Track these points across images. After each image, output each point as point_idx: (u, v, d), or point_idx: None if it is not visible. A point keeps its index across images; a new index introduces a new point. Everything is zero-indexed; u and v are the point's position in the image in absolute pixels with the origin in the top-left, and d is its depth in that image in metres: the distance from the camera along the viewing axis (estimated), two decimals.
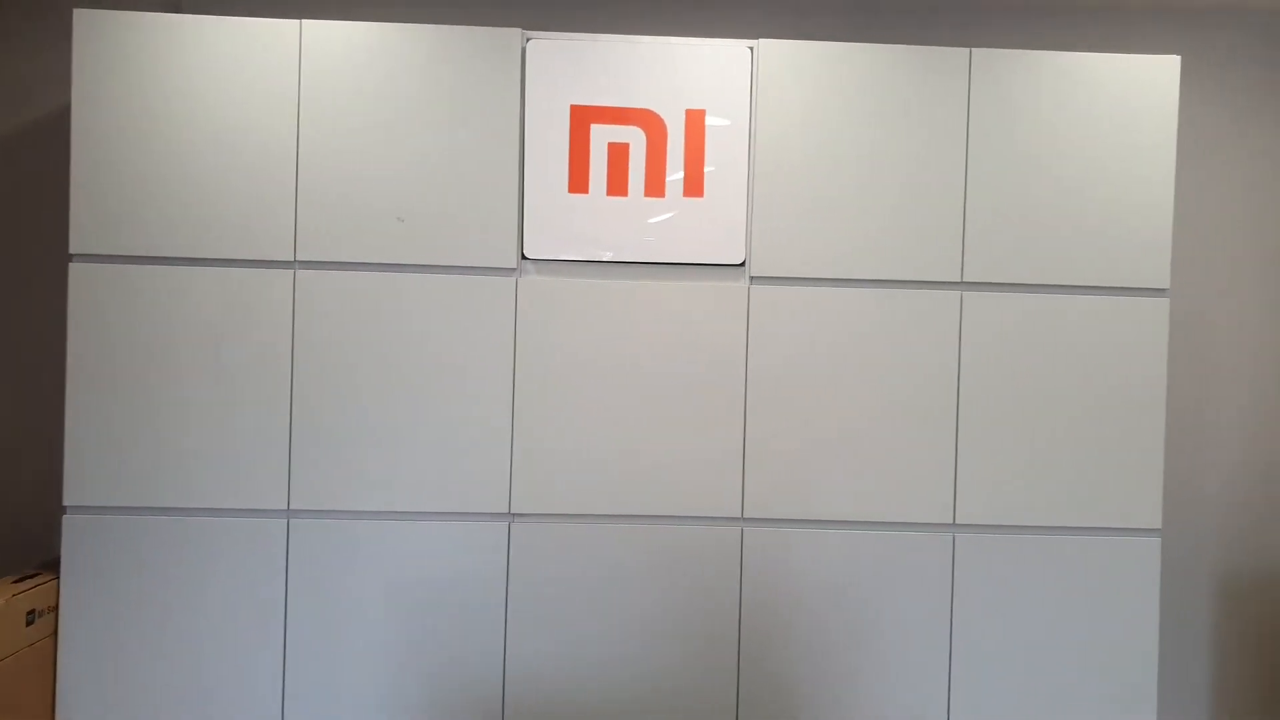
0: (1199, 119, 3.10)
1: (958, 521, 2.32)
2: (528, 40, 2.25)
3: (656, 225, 2.25)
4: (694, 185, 2.25)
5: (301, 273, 2.24)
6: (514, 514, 2.27)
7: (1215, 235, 3.12)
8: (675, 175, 2.25)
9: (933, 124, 2.30)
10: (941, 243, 2.31)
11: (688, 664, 2.29)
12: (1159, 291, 2.36)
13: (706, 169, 2.25)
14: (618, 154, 2.23)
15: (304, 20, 2.24)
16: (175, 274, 2.22)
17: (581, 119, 2.23)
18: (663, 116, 2.24)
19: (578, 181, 2.23)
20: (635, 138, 2.24)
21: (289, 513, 2.24)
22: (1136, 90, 2.33)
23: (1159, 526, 2.36)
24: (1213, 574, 3.12)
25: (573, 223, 2.24)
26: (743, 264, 2.28)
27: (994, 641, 2.32)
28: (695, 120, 2.25)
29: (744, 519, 2.29)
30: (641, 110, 2.24)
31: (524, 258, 2.25)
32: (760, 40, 2.28)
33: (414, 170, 2.24)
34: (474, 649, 2.27)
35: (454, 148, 2.24)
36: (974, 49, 2.32)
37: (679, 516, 2.28)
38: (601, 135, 2.23)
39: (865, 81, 2.29)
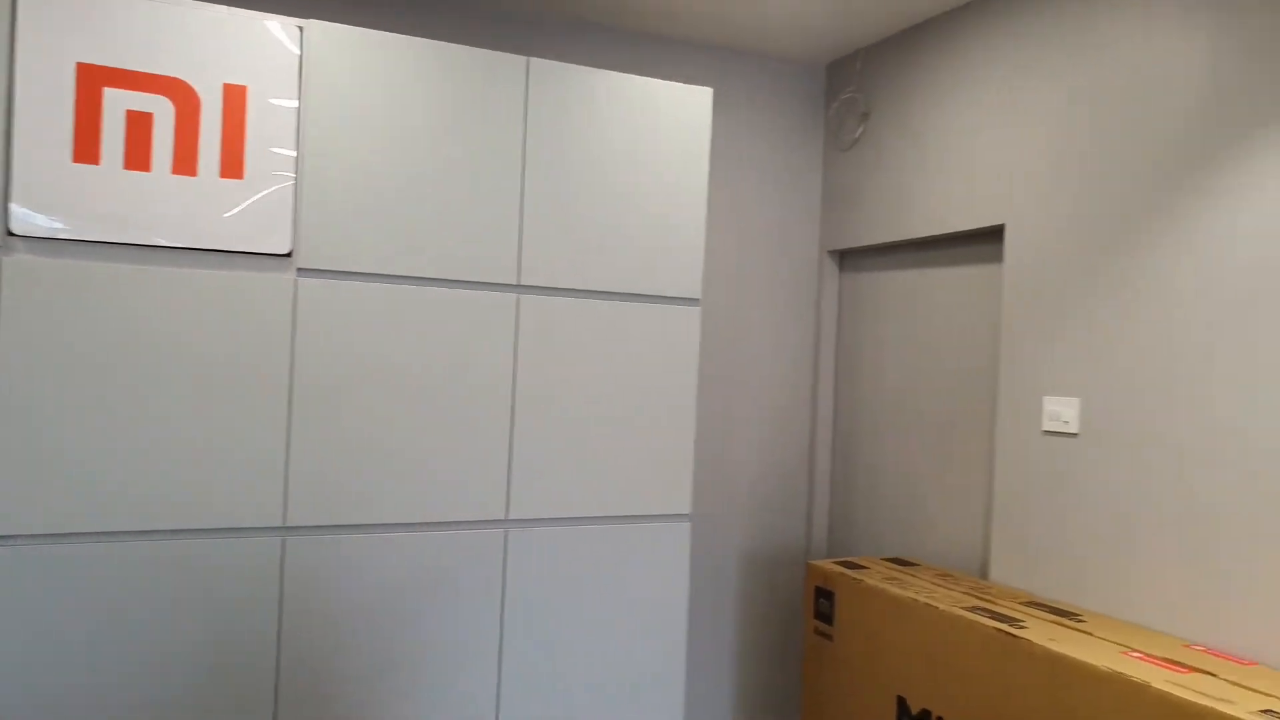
0: (730, 146, 3.49)
1: (511, 517, 2.38)
2: None
3: (187, 205, 2.03)
4: (233, 165, 2.07)
5: None
6: None
7: (743, 251, 3.53)
8: (210, 153, 2.04)
9: (492, 128, 2.33)
10: (499, 245, 2.35)
11: (219, 696, 2.09)
12: (692, 301, 2.60)
13: (248, 149, 2.08)
14: (139, 124, 1.98)
15: None
16: None
17: (91, 80, 1.94)
18: (196, 88, 2.03)
19: (86, 150, 1.94)
20: (161, 108, 2.00)
21: None
22: (675, 116, 2.55)
23: (689, 512, 2.60)
24: (739, 552, 3.53)
25: (78, 197, 1.94)
26: (289, 254, 2.14)
27: (545, 625, 2.41)
28: (235, 96, 2.06)
29: (286, 528, 2.15)
30: (170, 79, 2.01)
31: (10, 234, 1.91)
32: (312, 20, 2.15)
33: None
34: None
35: None
36: (532, 59, 2.38)
37: (208, 530, 2.08)
38: (118, 101, 1.96)
39: (425, 77, 2.26)
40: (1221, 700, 1.77)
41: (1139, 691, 1.87)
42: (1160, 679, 1.88)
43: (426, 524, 2.29)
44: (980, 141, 2.86)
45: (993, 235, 2.90)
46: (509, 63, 2.36)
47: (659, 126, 2.53)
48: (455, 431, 2.31)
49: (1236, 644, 2.10)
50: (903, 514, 3.23)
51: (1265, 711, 1.72)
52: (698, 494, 3.45)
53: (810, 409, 3.62)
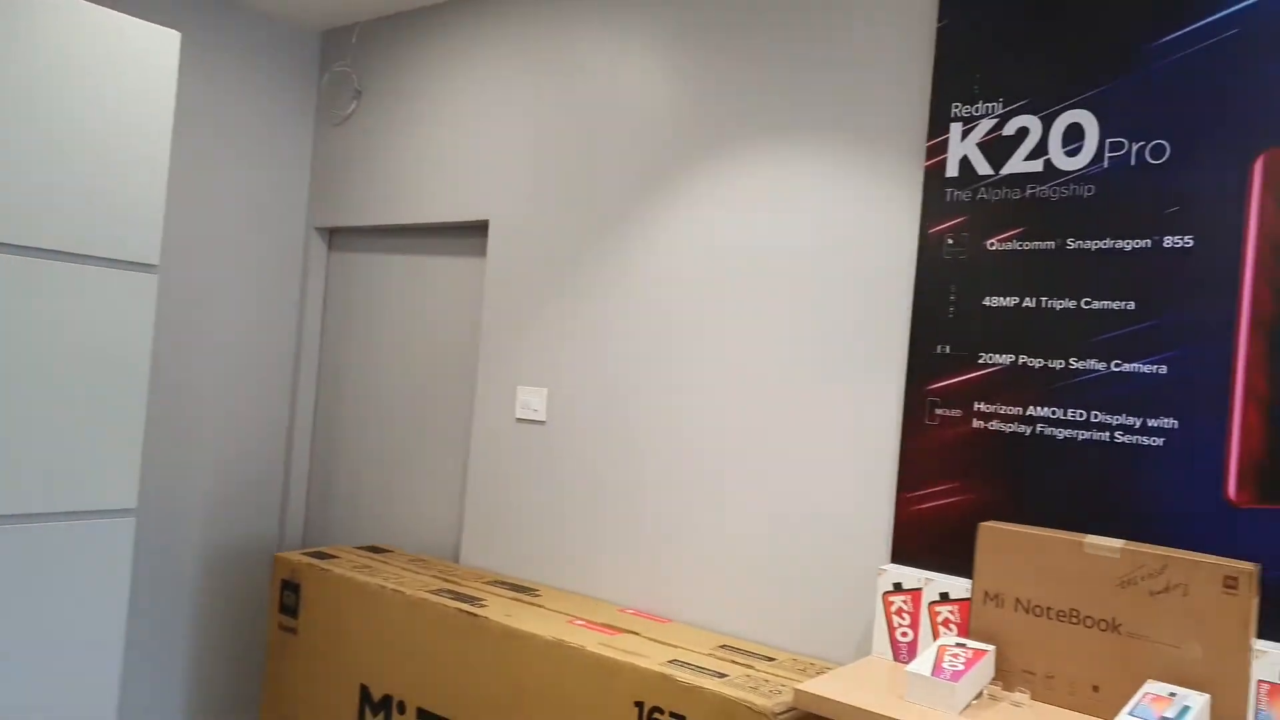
0: (211, 102, 3.17)
1: None
2: None
3: None
4: None
5: None
6: None
7: (219, 219, 3.23)
8: None
9: None
10: None
11: None
12: (148, 267, 2.30)
13: None
14: None
15: None
16: None
17: None
18: None
19: None
20: None
21: None
22: (134, 57, 2.23)
23: (134, 506, 2.30)
24: (204, 547, 3.23)
25: None
26: None
27: None
28: None
29: None
30: None
31: None
32: None
33: None
34: None
35: None
36: None
37: None
38: None
39: None
40: (639, 655, 2.00)
41: (575, 655, 2.04)
42: (594, 642, 2.07)
43: None
44: (469, 136, 2.93)
45: (480, 229, 2.99)
46: None
47: (110, 65, 2.19)
48: None
49: (659, 606, 2.41)
50: (385, 502, 3.20)
51: (671, 661, 1.98)
52: (154, 485, 3.08)
53: (290, 393, 3.44)
